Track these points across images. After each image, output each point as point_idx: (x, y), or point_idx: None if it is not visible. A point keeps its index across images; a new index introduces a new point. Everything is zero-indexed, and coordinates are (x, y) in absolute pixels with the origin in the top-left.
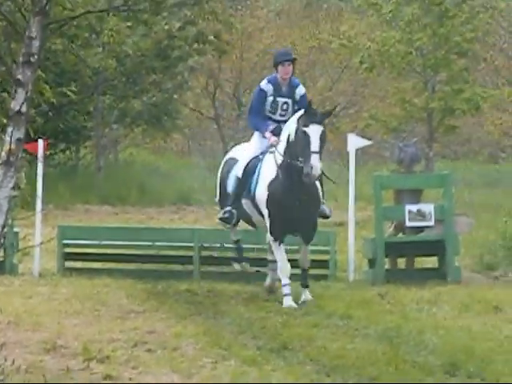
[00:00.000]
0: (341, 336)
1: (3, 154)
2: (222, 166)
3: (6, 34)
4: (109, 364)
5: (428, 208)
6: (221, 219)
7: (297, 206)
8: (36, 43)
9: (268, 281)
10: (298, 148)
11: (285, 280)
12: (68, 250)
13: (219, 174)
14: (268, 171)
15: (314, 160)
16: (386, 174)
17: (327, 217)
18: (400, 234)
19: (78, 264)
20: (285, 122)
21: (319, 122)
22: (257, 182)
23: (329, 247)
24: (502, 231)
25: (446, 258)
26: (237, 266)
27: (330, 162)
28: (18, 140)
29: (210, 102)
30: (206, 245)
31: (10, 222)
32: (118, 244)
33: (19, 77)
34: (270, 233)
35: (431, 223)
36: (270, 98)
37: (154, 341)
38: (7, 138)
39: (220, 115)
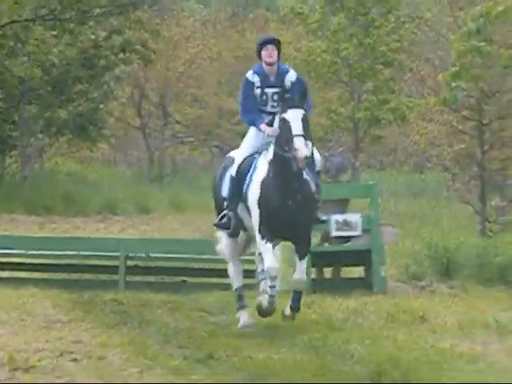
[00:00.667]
0: (267, 346)
1: None
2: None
3: None
4: (34, 373)
5: (354, 218)
6: (216, 225)
7: (289, 205)
8: None
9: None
10: (282, 137)
11: (272, 282)
12: None
13: (212, 180)
14: (261, 169)
15: (298, 142)
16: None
17: (322, 222)
18: (326, 244)
19: (4, 274)
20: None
21: (297, 106)
22: (250, 181)
23: (253, 257)
24: (428, 241)
25: (373, 267)
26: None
27: None
28: None
29: (135, 111)
30: (131, 254)
31: None
32: (43, 254)
33: None
34: (259, 232)
35: (357, 233)
36: (258, 90)
37: (80, 350)
38: None
39: (146, 125)
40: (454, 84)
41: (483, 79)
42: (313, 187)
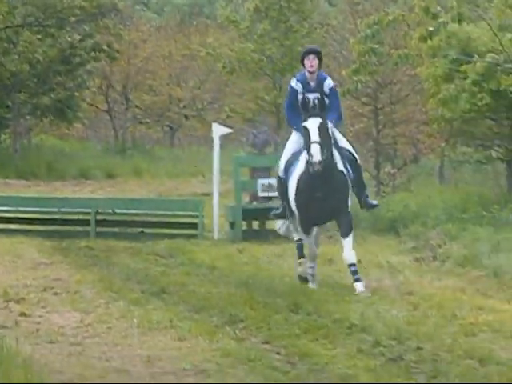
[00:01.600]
0: (207, 282)
1: None
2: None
3: None
4: (24, 304)
5: (275, 182)
6: (274, 215)
7: (319, 197)
8: None
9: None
10: (305, 143)
11: (310, 263)
12: None
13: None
14: (299, 167)
15: (313, 149)
16: (243, 155)
17: (374, 206)
18: (254, 202)
19: (0, 226)
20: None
21: (316, 115)
22: (290, 178)
23: (197, 212)
24: None
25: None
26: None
27: (198, 145)
28: None
29: (104, 98)
30: (100, 211)
31: None
32: (30, 210)
33: None
34: (300, 227)
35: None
36: (300, 96)
37: (60, 286)
38: None
39: (112, 109)
40: (354, 78)
41: (378, 74)
42: (347, 178)
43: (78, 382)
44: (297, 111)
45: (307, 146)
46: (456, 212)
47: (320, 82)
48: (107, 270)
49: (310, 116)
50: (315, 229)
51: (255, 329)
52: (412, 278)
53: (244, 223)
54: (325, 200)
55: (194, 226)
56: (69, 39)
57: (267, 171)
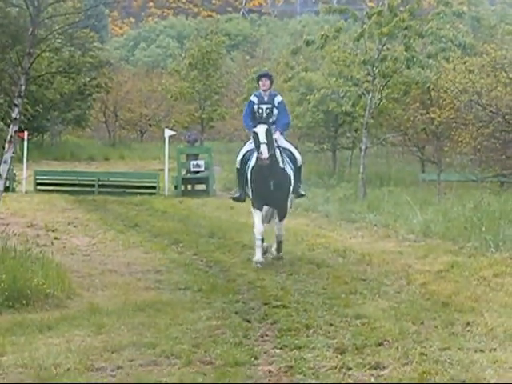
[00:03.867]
0: (161, 220)
1: (8, 137)
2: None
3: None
4: (56, 232)
5: (201, 162)
6: (233, 198)
7: (269, 185)
8: (22, 88)
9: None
10: (255, 143)
11: (257, 237)
12: (38, 181)
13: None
14: (252, 161)
15: (262, 148)
16: (182, 147)
17: (302, 195)
18: (189, 174)
19: (43, 187)
20: (272, 122)
21: (264, 122)
22: (247, 169)
23: (155, 179)
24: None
25: (209, 185)
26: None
27: (157, 142)
28: (15, 131)
29: (102, 114)
30: (100, 179)
31: (12, 169)
32: (60, 178)
33: (15, 102)
34: (252, 203)
35: (203, 170)
36: (256, 106)
37: (77, 222)
38: (10, 130)
39: (107, 120)
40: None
41: None
42: (288, 173)
43: (87, 275)
44: (251, 118)
45: (257, 146)
46: (303, 180)
47: (271, 97)
48: (104, 212)
49: (259, 123)
50: (265, 208)
51: (189, 247)
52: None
53: (182, 186)
54: (270, 187)
55: (153, 188)
56: (83, 80)
57: (196, 156)
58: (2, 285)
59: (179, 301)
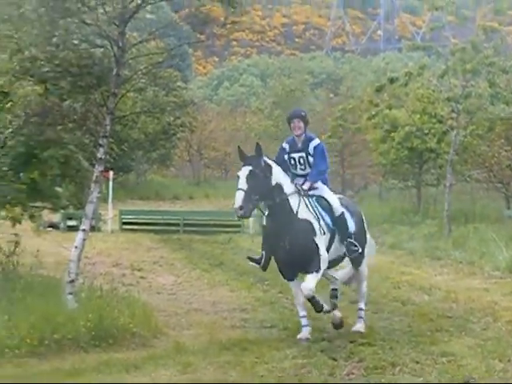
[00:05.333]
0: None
1: (94, 177)
2: None
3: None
4: (142, 272)
5: None
6: (250, 258)
7: (282, 244)
8: (108, 128)
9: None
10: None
11: (300, 313)
12: (124, 220)
13: None
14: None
15: (236, 195)
16: None
17: (355, 251)
18: None
19: (128, 227)
20: (306, 175)
21: (246, 164)
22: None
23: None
24: None
25: None
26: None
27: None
28: (100, 171)
29: (187, 153)
30: (185, 218)
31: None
32: (146, 217)
33: (100, 142)
34: (280, 273)
35: None
36: (286, 156)
37: (162, 261)
38: (96, 170)
39: (191, 159)
40: (330, 140)
41: (343, 138)
42: (312, 225)
43: (173, 314)
44: (283, 167)
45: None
46: (388, 217)
47: (306, 142)
48: (189, 251)
49: (243, 165)
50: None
51: (274, 285)
52: None
53: None
54: (288, 247)
55: (238, 226)
56: (167, 119)
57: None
58: (89, 324)
59: (265, 339)
